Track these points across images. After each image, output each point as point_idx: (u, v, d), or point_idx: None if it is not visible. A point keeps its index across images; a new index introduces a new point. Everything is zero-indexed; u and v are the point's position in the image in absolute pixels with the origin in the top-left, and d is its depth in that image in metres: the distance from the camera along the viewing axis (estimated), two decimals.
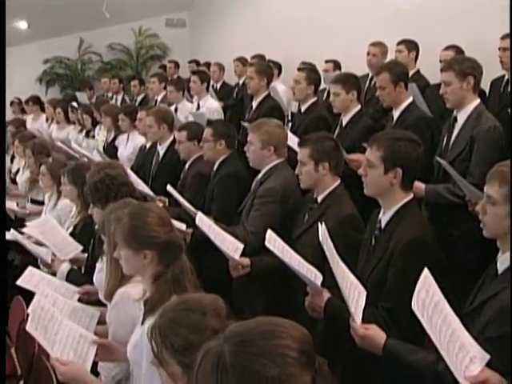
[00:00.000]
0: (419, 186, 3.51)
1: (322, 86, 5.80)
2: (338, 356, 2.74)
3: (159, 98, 7.60)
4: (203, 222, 3.38)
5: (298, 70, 5.57)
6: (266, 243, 2.89)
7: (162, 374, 1.71)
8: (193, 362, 1.47)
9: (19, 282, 3.51)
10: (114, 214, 2.67)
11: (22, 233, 4.34)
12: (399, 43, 5.79)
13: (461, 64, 3.71)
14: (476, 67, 3.74)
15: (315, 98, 5.17)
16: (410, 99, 4.27)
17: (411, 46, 5.72)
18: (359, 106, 4.54)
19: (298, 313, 2.72)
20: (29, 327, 2.45)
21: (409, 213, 2.67)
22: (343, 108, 4.49)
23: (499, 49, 4.89)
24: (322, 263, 2.85)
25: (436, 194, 3.63)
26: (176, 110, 6.69)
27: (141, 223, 2.35)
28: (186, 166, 4.73)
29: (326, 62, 6.86)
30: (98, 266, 3.22)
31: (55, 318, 2.53)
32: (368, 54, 5.97)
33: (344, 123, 4.52)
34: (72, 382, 2.32)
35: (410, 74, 4.96)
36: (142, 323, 2.25)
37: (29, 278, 3.50)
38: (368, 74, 5.86)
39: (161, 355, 1.66)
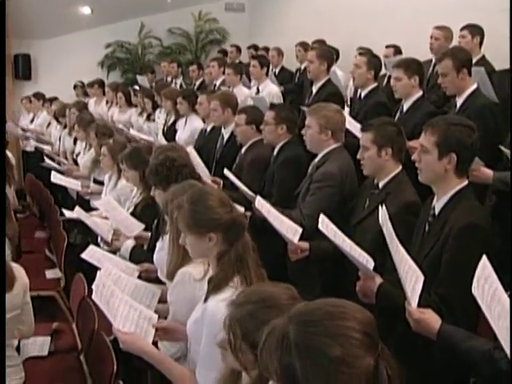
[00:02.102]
0: (487, 172, 3.44)
1: (383, 71, 5.71)
2: (388, 341, 2.73)
3: (218, 83, 7.61)
4: (262, 205, 3.40)
5: (360, 54, 5.49)
6: (319, 226, 2.91)
7: (229, 358, 1.77)
8: None
9: (84, 255, 3.62)
10: (176, 196, 2.71)
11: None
12: (463, 28, 5.59)
13: None
14: None
15: (375, 84, 5.09)
16: (474, 86, 4.15)
17: (475, 30, 5.51)
18: (421, 92, 4.44)
19: (354, 298, 2.71)
20: (94, 297, 2.54)
21: (463, 199, 2.63)
22: (404, 93, 4.41)
23: None
24: (381, 249, 2.83)
25: (504, 181, 3.53)
26: None
27: (202, 208, 2.37)
28: (243, 149, 4.75)
29: (387, 47, 6.74)
30: (158, 245, 3.29)
31: (116, 295, 2.59)
32: (431, 37, 5.83)
33: (405, 109, 4.44)
34: (133, 350, 2.38)
35: (475, 60, 4.82)
36: (205, 301, 2.27)
37: (91, 254, 3.61)
38: (431, 60, 5.72)
39: (238, 346, 1.71)
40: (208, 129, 5.66)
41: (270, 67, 7.68)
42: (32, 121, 9.56)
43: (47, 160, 7.29)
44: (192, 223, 2.36)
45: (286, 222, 3.37)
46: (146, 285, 3.08)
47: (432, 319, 2.27)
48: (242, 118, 4.67)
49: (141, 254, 3.72)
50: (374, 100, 4.95)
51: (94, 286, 2.61)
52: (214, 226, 2.33)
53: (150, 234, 3.84)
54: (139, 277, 3.34)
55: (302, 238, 3.35)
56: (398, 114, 4.50)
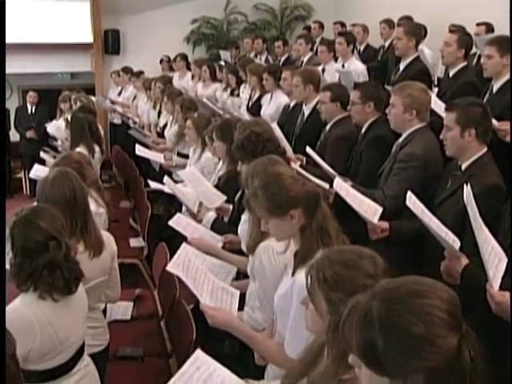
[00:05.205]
0: None
1: (473, 50, 5.52)
2: (470, 323, 2.68)
3: (305, 59, 7.56)
4: (341, 186, 3.36)
5: (450, 31, 5.32)
6: (407, 203, 2.84)
7: (309, 313, 1.80)
8: (338, 299, 1.63)
9: (170, 223, 3.73)
10: (257, 171, 2.74)
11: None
12: None
13: None
14: None
15: (465, 63, 4.91)
16: None
17: None
18: None
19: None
20: (176, 271, 2.60)
21: None
22: (495, 72, 4.23)
23: None
24: (461, 232, 2.78)
25: None
26: (323, 70, 6.67)
27: (276, 189, 2.37)
28: (327, 127, 4.69)
29: (478, 24, 6.49)
30: (242, 217, 3.33)
31: (200, 270, 2.66)
32: None
33: (495, 89, 4.26)
34: (222, 326, 2.43)
35: None
36: (293, 274, 2.29)
37: (178, 222, 3.72)
38: None
39: (312, 289, 1.75)
40: (291, 105, 5.66)
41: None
42: (119, 94, 9.85)
43: (133, 129, 7.50)
44: (271, 206, 2.37)
45: (366, 201, 3.34)
46: (222, 264, 3.16)
47: None
48: (326, 96, 4.61)
49: (222, 226, 3.80)
50: (462, 79, 4.78)
51: (179, 263, 2.65)
52: (293, 202, 2.34)
53: (231, 206, 3.91)
54: (223, 247, 3.42)
55: (382, 219, 3.31)
56: (487, 95, 4.34)
